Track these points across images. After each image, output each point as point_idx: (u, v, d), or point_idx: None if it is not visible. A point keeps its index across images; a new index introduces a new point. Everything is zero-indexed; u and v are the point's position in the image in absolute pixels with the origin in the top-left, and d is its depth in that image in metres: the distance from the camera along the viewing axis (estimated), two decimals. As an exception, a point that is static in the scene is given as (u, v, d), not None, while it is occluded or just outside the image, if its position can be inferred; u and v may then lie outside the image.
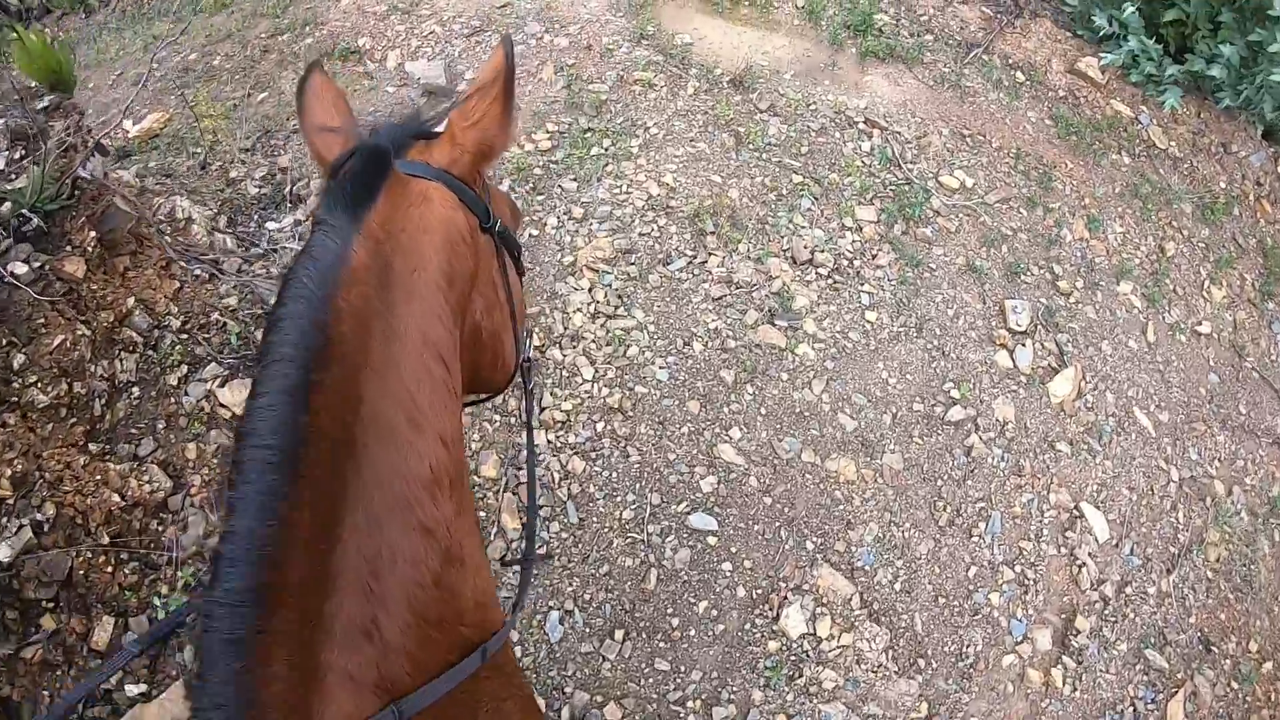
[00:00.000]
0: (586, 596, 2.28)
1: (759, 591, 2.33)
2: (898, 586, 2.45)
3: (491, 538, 2.35)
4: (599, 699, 2.15)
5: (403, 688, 0.70)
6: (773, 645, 2.27)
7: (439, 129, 1.01)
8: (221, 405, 2.47)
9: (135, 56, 3.76)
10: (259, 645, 0.60)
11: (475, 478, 2.41)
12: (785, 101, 3.50)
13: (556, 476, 2.41)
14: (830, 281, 2.94)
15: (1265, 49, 3.75)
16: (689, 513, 2.40)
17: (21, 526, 2.14)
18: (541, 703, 2.10)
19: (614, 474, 2.45)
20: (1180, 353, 3.32)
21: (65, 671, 2.13)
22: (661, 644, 2.24)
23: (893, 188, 3.27)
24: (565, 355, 2.64)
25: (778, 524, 2.43)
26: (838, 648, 2.30)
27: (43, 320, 2.36)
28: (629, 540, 2.35)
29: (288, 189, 3.07)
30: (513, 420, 2.51)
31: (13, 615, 2.05)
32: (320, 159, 0.94)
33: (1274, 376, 3.48)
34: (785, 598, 2.33)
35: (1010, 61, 3.95)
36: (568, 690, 2.16)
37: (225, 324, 2.59)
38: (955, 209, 3.29)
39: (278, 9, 3.93)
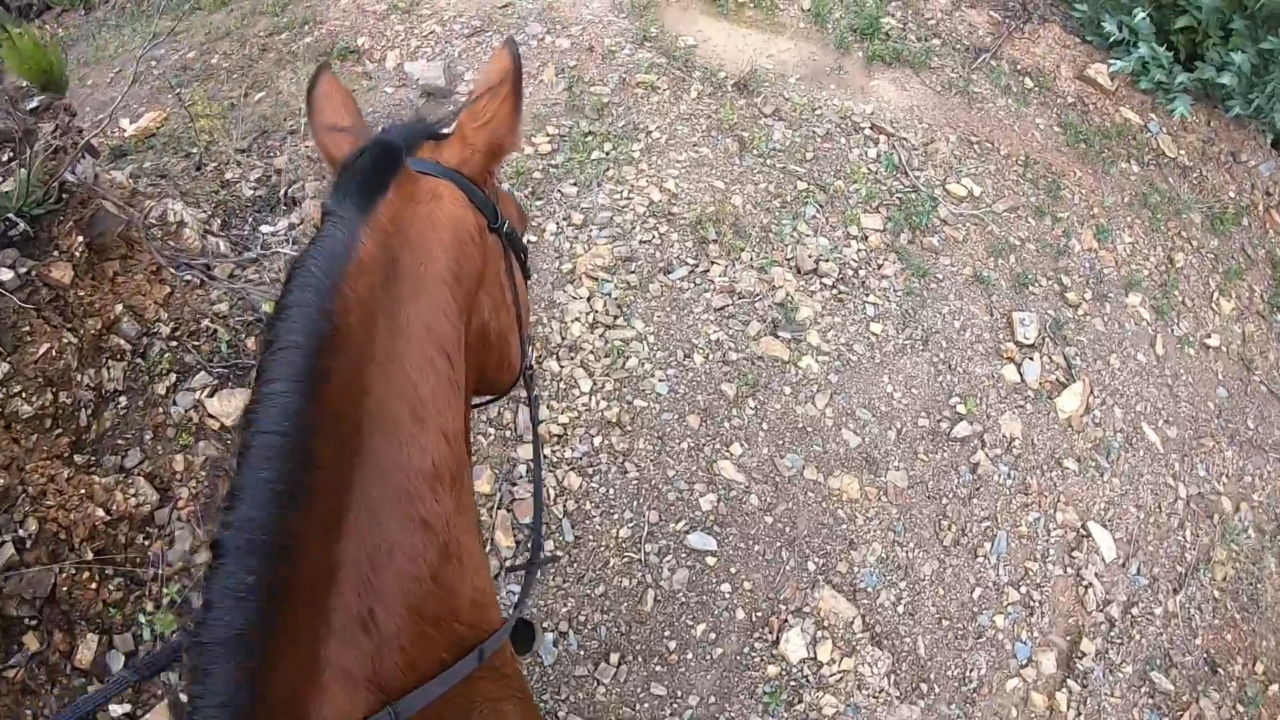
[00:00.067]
0: (581, 618, 2.17)
1: (759, 614, 2.22)
2: (900, 609, 2.34)
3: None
4: (593, 724, 2.05)
5: (396, 684, 0.68)
6: (772, 670, 2.16)
7: (449, 130, 0.99)
8: (210, 416, 2.36)
9: (134, 54, 3.63)
10: (269, 642, 0.57)
11: (469, 493, 2.30)
12: (790, 106, 3.36)
13: (552, 493, 2.30)
14: (835, 292, 2.81)
15: (1276, 57, 3.60)
16: (688, 532, 2.29)
17: (3, 543, 2.03)
18: None
19: (611, 490, 2.33)
20: (1189, 366, 3.20)
21: (48, 690, 2.03)
22: (658, 668, 2.13)
23: (899, 195, 3.14)
24: (563, 367, 2.52)
25: (779, 544, 2.32)
26: (839, 672, 2.19)
27: (28, 328, 2.24)
28: (626, 560, 2.24)
29: (283, 191, 2.95)
30: (507, 434, 2.40)
31: (-8, 634, 1.94)
32: (330, 158, 0.92)
33: (1283, 391, 3.36)
34: (785, 620, 2.22)
35: (1019, 67, 3.81)
36: (561, 715, 2.05)
37: (215, 331, 2.48)
38: (962, 218, 3.15)
39: (277, 7, 3.79)
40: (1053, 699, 2.37)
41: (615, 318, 2.63)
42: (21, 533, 2.06)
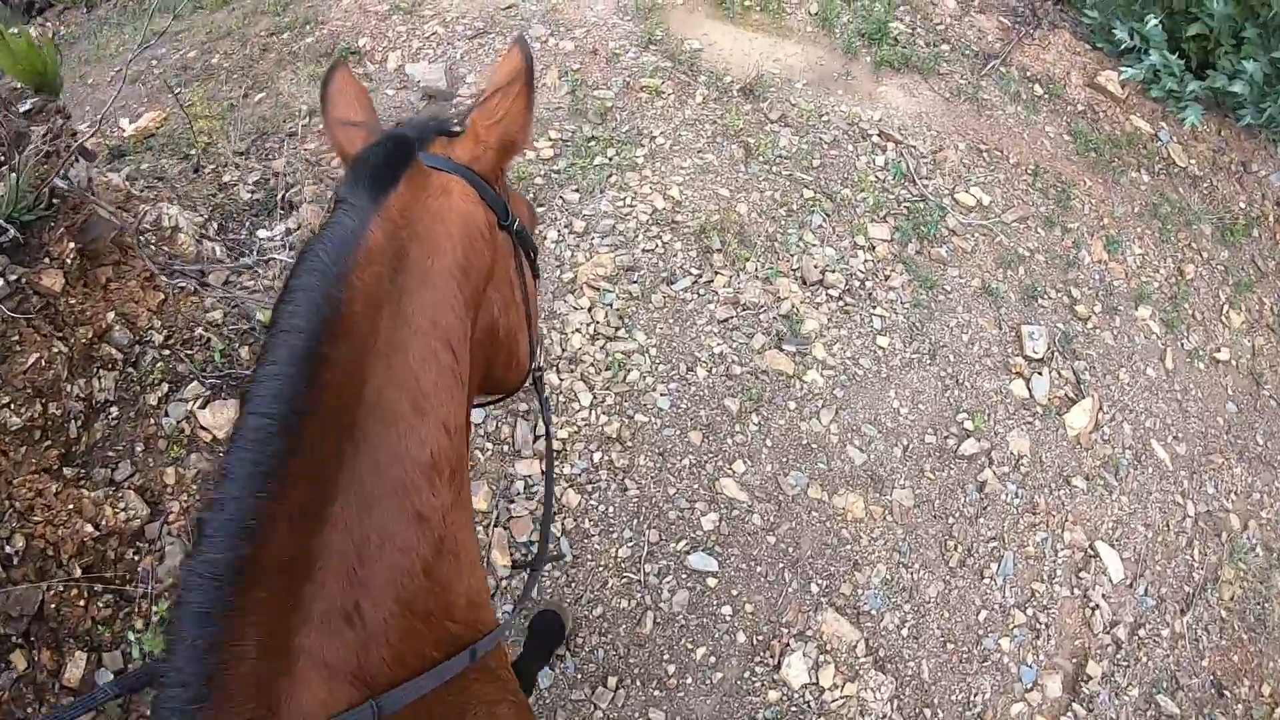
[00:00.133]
0: (579, 640, 2.08)
1: (760, 637, 2.12)
2: (905, 632, 2.24)
3: (481, 572, 2.15)
4: (590, 749, 1.96)
5: (381, 680, 0.65)
6: (773, 695, 2.06)
7: (461, 127, 0.97)
8: (202, 428, 2.26)
9: (135, 52, 3.52)
10: (230, 622, 0.55)
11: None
12: (797, 112, 3.24)
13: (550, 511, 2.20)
14: (841, 304, 2.70)
15: (1293, 65, 3.47)
16: (688, 552, 2.19)
17: (-12, 559, 1.94)
18: None
19: (610, 508, 2.23)
20: (1198, 381, 3.08)
21: (36, 709, 1.94)
22: (656, 692, 2.03)
23: (907, 204, 3.02)
24: (562, 379, 2.41)
25: (781, 565, 2.22)
26: (841, 698, 2.09)
27: (17, 337, 2.14)
28: (625, 580, 2.14)
29: (281, 195, 2.84)
30: (505, 449, 2.30)
31: (-22, 653, 1.86)
32: (342, 153, 0.91)
33: (1293, 406, 3.24)
34: (787, 644, 2.12)
35: (1028, 74, 3.67)
36: (557, 740, 1.96)
37: (209, 340, 2.38)
38: (971, 228, 3.03)
39: (278, 7, 3.66)
40: (1058, 724, 2.28)
41: (617, 329, 2.52)
42: (9, 549, 1.96)
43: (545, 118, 3.13)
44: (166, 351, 2.35)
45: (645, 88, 3.24)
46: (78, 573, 2.02)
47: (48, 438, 2.13)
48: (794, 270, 2.74)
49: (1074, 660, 2.41)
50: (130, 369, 2.30)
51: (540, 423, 2.33)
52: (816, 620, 2.17)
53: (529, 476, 2.24)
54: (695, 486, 2.28)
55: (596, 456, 2.30)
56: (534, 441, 2.30)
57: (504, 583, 2.11)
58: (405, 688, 0.66)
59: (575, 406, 2.36)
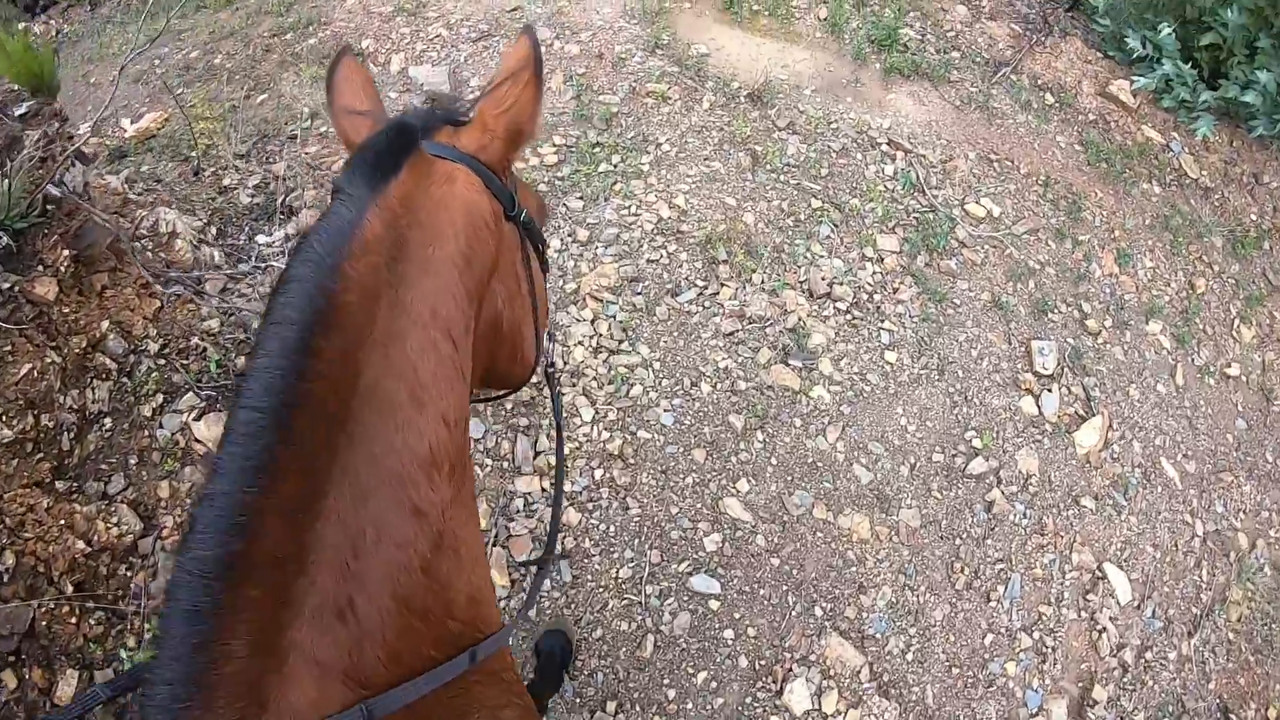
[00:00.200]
0: (578, 663, 1.99)
1: (762, 662, 2.04)
2: (910, 656, 2.15)
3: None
4: (588, 776, 1.88)
5: (376, 680, 0.61)
6: (776, 721, 1.98)
7: (468, 117, 0.93)
8: (197, 440, 2.17)
9: (136, 52, 3.41)
10: (218, 619, 0.53)
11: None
12: (805, 119, 3.13)
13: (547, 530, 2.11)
14: (849, 317, 2.60)
15: (1309, 76, 3.34)
16: (691, 573, 2.10)
17: (-22, 577, 1.86)
18: None
19: (612, 528, 2.15)
20: (1208, 397, 2.98)
21: (24, 726, 1.87)
22: (656, 718, 1.95)
23: (916, 215, 2.91)
24: (563, 394, 2.32)
25: (785, 588, 2.13)
26: (845, 725, 2.01)
27: (9, 347, 2.05)
28: (625, 602, 2.06)
29: (281, 199, 2.75)
30: (504, 465, 2.21)
31: (-37, 675, 1.78)
32: (348, 141, 0.89)
33: (1303, 423, 3.14)
34: (790, 669, 2.04)
35: (1039, 82, 3.55)
36: (555, 766, 1.88)
37: (205, 350, 2.29)
38: (981, 240, 2.93)
39: (282, 7, 3.55)
40: (1064, 750, 2.20)
41: (620, 342, 2.43)
42: (-1, 566, 1.89)
43: (550, 123, 3.02)
44: (162, 361, 2.26)
45: (651, 93, 3.13)
46: (69, 590, 1.94)
47: (40, 450, 2.04)
48: (801, 282, 2.64)
49: (1080, 684, 2.32)
50: (125, 379, 2.21)
51: (541, 438, 2.24)
52: (820, 645, 2.08)
53: (529, 494, 2.15)
54: (698, 506, 2.19)
55: (598, 474, 2.21)
56: (534, 458, 2.21)
57: (502, 603, 2.02)
58: (401, 690, 0.62)
59: (577, 422, 2.27)
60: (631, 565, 2.10)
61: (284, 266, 0.64)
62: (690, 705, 1.97)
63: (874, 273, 2.71)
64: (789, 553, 2.17)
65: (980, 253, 2.87)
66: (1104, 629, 2.40)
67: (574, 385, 2.33)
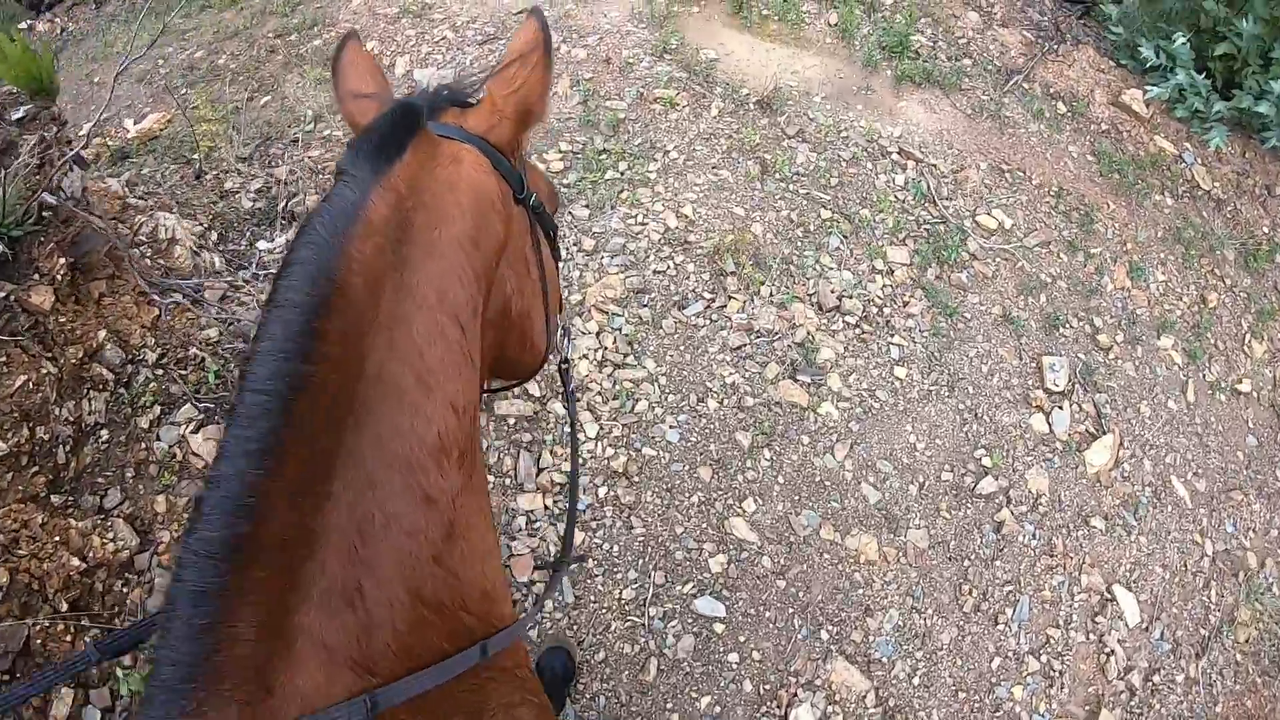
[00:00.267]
0: (580, 686, 1.92)
1: (767, 687, 1.96)
2: (916, 681, 2.08)
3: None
4: (589, 802, 1.81)
5: (385, 669, 0.60)
6: (780, 748, 1.91)
7: (476, 99, 0.90)
8: (194, 454, 2.10)
9: (136, 52, 3.32)
10: (225, 601, 0.51)
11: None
12: (815, 127, 3.02)
13: (552, 548, 2.04)
14: (858, 331, 2.51)
15: (1324, 88, 3.23)
16: (695, 595, 2.02)
17: (-29, 596, 1.79)
18: None
19: (615, 547, 2.07)
20: (1219, 414, 2.89)
21: (18, 746, 1.80)
22: (659, 744, 1.88)
23: (927, 227, 2.82)
24: (568, 409, 2.24)
25: (791, 611, 2.05)
26: (850, 751, 1.94)
27: (4, 359, 1.97)
28: (629, 624, 1.98)
29: (283, 204, 2.66)
30: (506, 482, 2.12)
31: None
32: (354, 125, 0.86)
33: (1314, 441, 3.04)
34: (795, 694, 1.96)
35: (1052, 91, 3.44)
36: (555, 792, 1.81)
37: (203, 360, 2.21)
38: (992, 252, 2.83)
39: (287, 7, 3.45)
40: (1072, 776, 2.12)
41: (625, 356, 2.34)
42: (-10, 583, 1.82)
43: (556, 128, 2.93)
44: (160, 371, 2.18)
45: (659, 99, 3.03)
46: (64, 607, 1.87)
47: (35, 464, 1.97)
48: (810, 295, 2.55)
49: (1087, 708, 2.25)
50: (122, 390, 2.13)
51: (545, 454, 2.16)
52: (825, 669, 2.01)
53: (531, 512, 2.08)
54: (704, 526, 2.11)
55: (602, 491, 2.13)
56: (537, 475, 2.13)
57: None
58: (407, 681, 0.60)
59: (581, 438, 2.19)
60: (635, 586, 2.02)
61: (288, 250, 0.62)
62: (693, 731, 1.90)
63: (884, 285, 2.62)
64: (795, 574, 2.09)
65: (992, 265, 2.78)
66: (1112, 651, 2.32)
67: (578, 400, 2.24)
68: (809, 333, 2.46)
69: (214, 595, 0.51)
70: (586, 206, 2.70)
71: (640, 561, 2.04)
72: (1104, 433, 2.58)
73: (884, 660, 2.06)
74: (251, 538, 0.53)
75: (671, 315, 2.43)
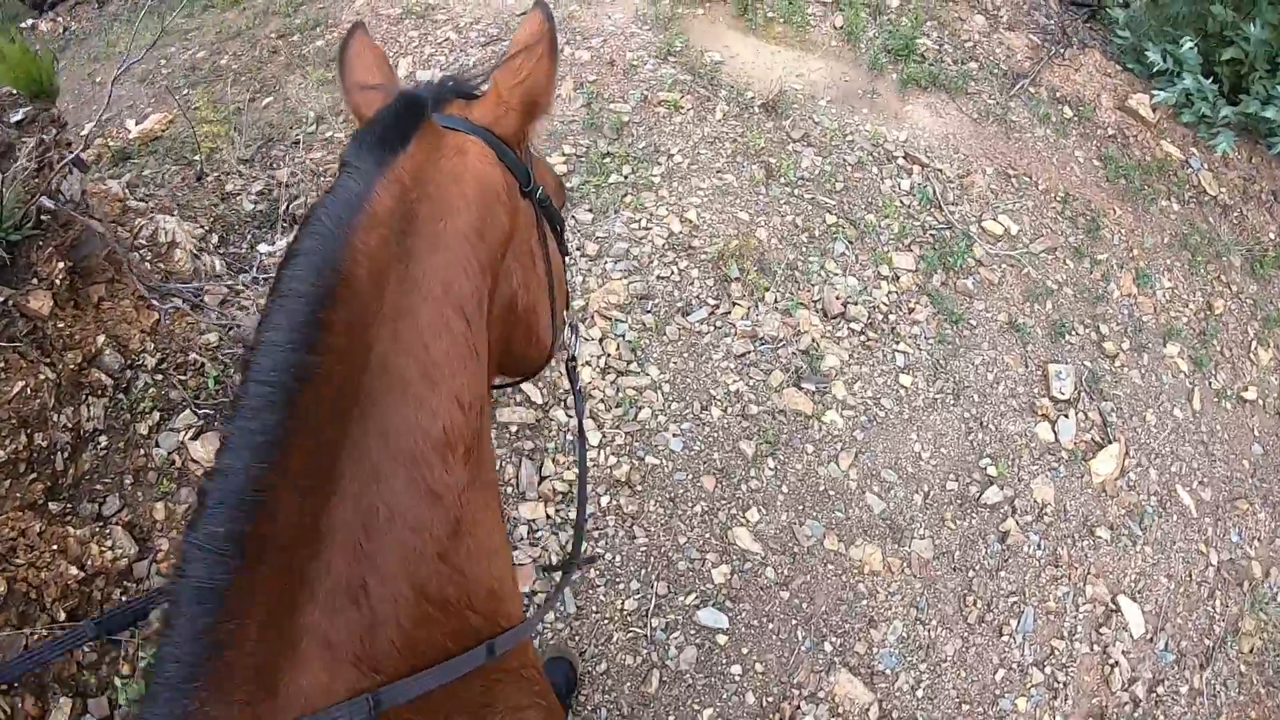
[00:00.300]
0: (581, 697, 1.88)
1: (769, 699, 1.93)
2: (920, 693, 2.04)
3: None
4: (590, 815, 1.78)
5: (389, 667, 0.58)
6: (783, 762, 1.87)
7: (481, 90, 0.88)
8: (193, 460, 2.06)
9: (122, 66, 3.27)
10: (230, 599, 0.50)
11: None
12: (820, 131, 2.97)
13: (554, 558, 2.00)
14: (863, 339, 2.47)
15: (1333, 93, 3.18)
16: (698, 606, 1.99)
17: (-31, 604, 1.76)
18: None
19: (618, 557, 2.03)
20: (1225, 422, 2.84)
21: (16, 755, 1.77)
22: (661, 757, 1.85)
23: (933, 232, 2.77)
24: (570, 417, 2.20)
25: (794, 622, 2.01)
26: (854, 765, 1.90)
27: (2, 364, 1.93)
28: (630, 635, 1.94)
29: (284, 207, 2.61)
30: (508, 491, 2.08)
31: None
32: (360, 116, 0.84)
33: (1319, 449, 3.00)
34: (798, 707, 1.93)
35: (1058, 95, 3.38)
36: (556, 805, 1.78)
37: (203, 365, 2.17)
38: (998, 258, 2.78)
39: (289, 7, 3.40)
40: (1075, 789, 2.09)
41: (629, 363, 2.30)
42: (-12, 592, 1.78)
43: (559, 131, 2.88)
44: (159, 376, 2.14)
45: (664, 102, 2.97)
46: (62, 617, 1.83)
47: (33, 470, 1.93)
48: (815, 302, 2.51)
49: (1090, 719, 2.21)
50: (121, 395, 2.09)
51: (547, 463, 2.12)
52: (829, 681, 1.97)
53: (533, 521, 2.04)
54: (707, 536, 2.07)
55: (604, 500, 2.09)
56: (539, 484, 2.09)
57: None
58: (410, 681, 0.59)
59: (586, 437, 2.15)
60: (637, 597, 1.98)
61: (292, 240, 0.60)
62: (696, 744, 1.86)
63: (889, 292, 2.57)
64: (799, 585, 2.05)
65: (998, 272, 2.73)
66: (1116, 663, 2.28)
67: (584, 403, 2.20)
68: (814, 340, 2.41)
69: (219, 593, 0.50)
70: (590, 210, 2.65)
71: (643, 572, 2.01)
72: (1110, 441, 2.53)
73: (887, 672, 2.03)
74: (257, 534, 0.51)
75: (675, 322, 2.39)
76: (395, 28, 3.19)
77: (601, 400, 2.22)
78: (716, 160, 2.83)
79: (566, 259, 1.13)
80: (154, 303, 2.21)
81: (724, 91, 3.05)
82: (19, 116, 2.28)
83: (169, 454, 2.05)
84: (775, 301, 2.47)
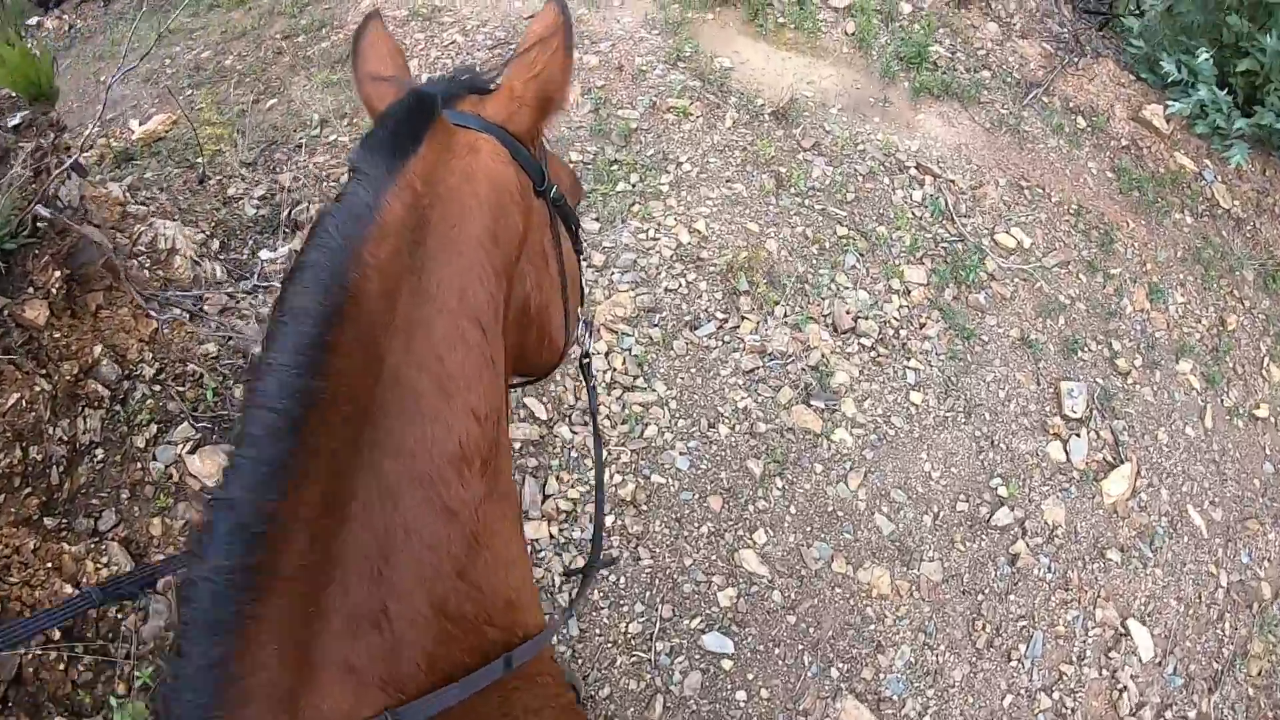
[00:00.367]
0: (584, 723, 1.81)
1: (776, 727, 1.86)
2: (926, 719, 1.97)
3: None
4: (591, 843, 1.71)
5: (413, 687, 0.56)
6: (788, 791, 1.80)
7: (494, 85, 0.84)
8: (191, 475, 1.98)
9: (138, 58, 3.17)
10: (245, 630, 0.48)
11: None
12: (831, 139, 2.87)
13: (556, 579, 1.92)
14: (874, 355, 2.37)
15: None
16: (703, 630, 1.91)
17: (-41, 621, 1.68)
18: None
19: (622, 579, 1.95)
20: (1237, 440, 2.75)
21: (11, 776, 1.71)
22: (664, 785, 1.78)
23: (945, 245, 2.67)
24: (575, 434, 2.11)
25: (801, 647, 1.93)
26: (860, 794, 1.83)
27: (-4, 376, 1.86)
28: (634, 659, 1.87)
29: (286, 212, 2.52)
30: (513, 510, 2.01)
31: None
32: (372, 109, 0.81)
33: (1331, 469, 2.91)
34: (805, 735, 1.86)
35: (1071, 105, 3.27)
36: (557, 834, 1.71)
37: (202, 376, 2.08)
38: (1011, 272, 2.68)
39: (295, 8, 3.29)
40: (1083, 817, 2.01)
41: (635, 378, 2.21)
42: (-19, 610, 1.71)
43: (566, 137, 2.78)
44: (157, 387, 2.06)
45: (673, 108, 2.87)
46: (57, 636, 1.76)
47: (28, 484, 1.85)
48: (825, 316, 2.41)
49: (1099, 745, 2.14)
50: (118, 407, 2.01)
51: (551, 480, 2.04)
52: (835, 708, 1.89)
53: (536, 540, 1.96)
54: (713, 558, 1.99)
55: (609, 520, 2.00)
56: (542, 502, 2.01)
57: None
58: (426, 700, 0.57)
59: (588, 464, 2.07)
60: (641, 620, 1.90)
61: (300, 252, 0.57)
62: (700, 772, 1.79)
63: (900, 306, 2.48)
64: (806, 609, 1.97)
65: (1010, 286, 2.63)
66: (1124, 687, 2.20)
67: (586, 425, 2.12)
68: (823, 355, 2.32)
69: (233, 625, 0.48)
70: (597, 220, 2.55)
71: (647, 594, 1.93)
72: (1121, 461, 2.44)
73: (894, 698, 1.95)
74: (268, 565, 0.50)
75: (683, 336, 2.30)
76: (401, 30, 3.08)
77: (607, 416, 2.14)
78: (726, 169, 2.73)
79: (580, 256, 1.08)
80: (151, 313, 2.12)
81: (734, 98, 2.94)
82: (16, 121, 2.19)
83: (166, 468, 1.97)
84: (785, 315, 2.38)
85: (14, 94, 2.24)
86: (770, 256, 2.50)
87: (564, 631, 1.87)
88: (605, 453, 2.09)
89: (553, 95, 0.83)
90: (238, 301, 2.28)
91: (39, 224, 1.98)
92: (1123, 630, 2.26)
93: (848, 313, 2.41)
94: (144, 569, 0.70)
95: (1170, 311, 2.85)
